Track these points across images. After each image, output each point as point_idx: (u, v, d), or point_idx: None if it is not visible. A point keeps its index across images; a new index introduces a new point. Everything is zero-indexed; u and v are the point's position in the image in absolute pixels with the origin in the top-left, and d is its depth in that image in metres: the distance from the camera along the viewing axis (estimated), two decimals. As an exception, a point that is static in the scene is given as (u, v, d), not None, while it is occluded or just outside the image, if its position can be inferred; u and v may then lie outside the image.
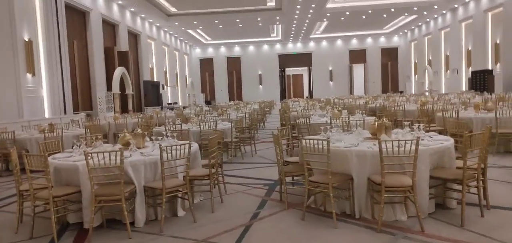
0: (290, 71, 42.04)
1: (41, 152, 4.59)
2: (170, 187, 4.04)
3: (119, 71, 18.19)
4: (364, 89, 37.03)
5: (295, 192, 5.00)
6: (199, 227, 4.07)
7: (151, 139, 5.31)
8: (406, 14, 27.39)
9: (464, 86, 24.71)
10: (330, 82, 37.68)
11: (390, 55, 36.84)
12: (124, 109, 19.35)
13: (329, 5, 24.35)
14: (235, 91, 38.58)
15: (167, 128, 6.92)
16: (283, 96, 38.75)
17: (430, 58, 29.91)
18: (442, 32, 27.68)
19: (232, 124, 7.95)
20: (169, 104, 25.23)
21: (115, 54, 20.23)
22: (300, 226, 3.90)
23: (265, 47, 38.28)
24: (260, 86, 38.34)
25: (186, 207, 4.53)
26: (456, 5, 24.64)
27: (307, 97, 37.08)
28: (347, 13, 25.98)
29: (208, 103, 33.18)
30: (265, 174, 6.48)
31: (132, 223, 4.12)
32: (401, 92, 31.84)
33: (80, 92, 18.23)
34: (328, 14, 26.08)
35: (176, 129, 6.89)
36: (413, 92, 31.96)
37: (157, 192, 4.17)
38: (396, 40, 36.78)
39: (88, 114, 15.51)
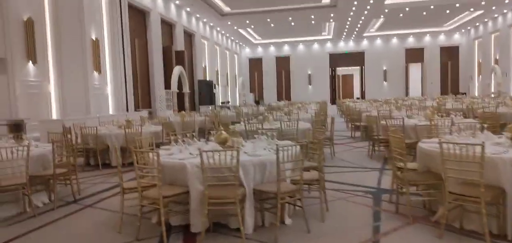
0: (340, 71, 40.84)
1: (137, 148, 4.37)
2: (286, 192, 3.65)
3: (177, 70, 18.36)
4: (421, 90, 35.14)
5: (412, 204, 4.41)
6: (315, 238, 3.65)
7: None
8: (471, 9, 25.55)
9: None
10: (384, 82, 36.13)
11: (450, 54, 34.67)
12: (180, 107, 19.52)
13: (388, 1, 23.21)
14: (284, 91, 38.11)
15: (248, 127, 6.60)
16: (333, 96, 37.71)
17: (497, 57, 27.69)
18: (512, 28, 25.52)
19: (313, 123, 7.49)
20: (222, 103, 25.26)
21: (172, 53, 20.50)
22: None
23: (315, 46, 37.47)
24: (310, 86, 37.59)
25: (291, 214, 4.14)
26: (531, -1, 22.57)
27: (357, 98, 35.84)
28: (407, 9, 24.64)
29: (257, 102, 32.99)
30: (354, 179, 5.97)
31: (238, 228, 3.78)
32: (464, 93, 29.78)
33: (140, 90, 18.61)
34: (386, 11, 24.89)
35: (261, 128, 6.54)
36: (476, 94, 29.82)
37: (265, 196, 3.80)
38: (457, 38, 34.55)
39: (150, 112, 15.74)
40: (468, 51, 33.23)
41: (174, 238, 3.77)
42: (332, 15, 26.08)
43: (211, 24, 28.11)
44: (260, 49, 38.53)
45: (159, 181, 3.55)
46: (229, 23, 27.70)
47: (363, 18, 26.93)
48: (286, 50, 38.08)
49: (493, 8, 24.85)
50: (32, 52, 11.82)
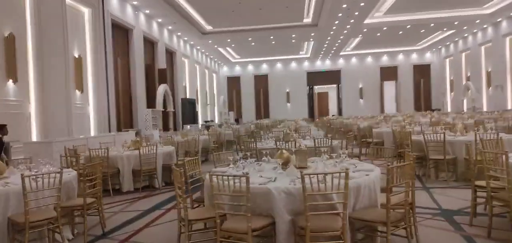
0: (316, 89, 41.40)
1: (178, 170, 3.84)
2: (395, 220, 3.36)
3: (162, 88, 17.88)
4: (396, 107, 36.10)
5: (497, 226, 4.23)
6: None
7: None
8: (445, 29, 26.68)
9: (509, 103, 23.71)
10: (361, 100, 36.88)
11: (422, 72, 35.96)
12: (165, 127, 18.96)
13: (367, 21, 23.84)
14: (263, 109, 38.10)
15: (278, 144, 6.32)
16: (311, 114, 38.06)
17: (469, 74, 28.96)
18: (482, 47, 26.81)
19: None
20: (206, 121, 24.83)
21: (155, 71, 20.01)
22: None
23: (293, 64, 37.88)
24: (288, 104, 37.79)
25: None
26: (499, 19, 23.83)
27: (333, 115, 36.35)
28: (385, 28, 25.41)
29: (236, 121, 32.74)
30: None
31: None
32: (438, 109, 30.82)
33: (123, 109, 17.95)
34: (365, 30, 25.54)
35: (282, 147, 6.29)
36: (449, 110, 30.94)
37: (360, 225, 3.46)
38: (428, 57, 35.94)
39: (136, 132, 15.12)
40: (440, 69, 34.60)
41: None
42: (312, 34, 26.47)
43: (192, 42, 27.82)
44: (238, 67, 38.51)
45: (248, 211, 3.20)
46: (210, 41, 27.54)
47: (342, 37, 27.50)
48: (264, 68, 38.26)
49: (464, 27, 26.05)
50: (12, 70, 11.11)
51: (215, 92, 35.67)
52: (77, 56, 14.24)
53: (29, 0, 12.04)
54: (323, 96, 43.55)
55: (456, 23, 24.52)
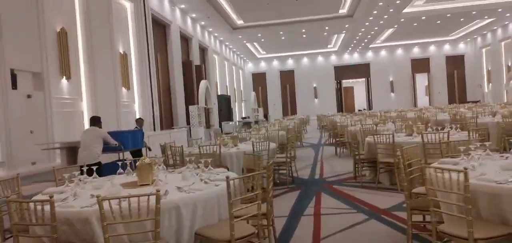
0: (344, 83, 40.42)
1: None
2: None
3: (204, 84, 17.40)
4: (429, 100, 34.96)
5: None
6: None
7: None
8: (486, 16, 25.54)
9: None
10: (392, 93, 35.86)
11: (455, 63, 34.74)
12: (207, 124, 18.47)
13: (406, 10, 22.92)
14: (289, 105, 37.40)
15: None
16: (340, 108, 37.18)
17: (509, 64, 27.74)
18: (526, 35, 25.59)
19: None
20: (243, 118, 24.30)
21: (193, 68, 19.54)
22: None
23: (320, 59, 37.06)
24: (316, 100, 37.00)
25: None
26: (546, 5, 22.63)
27: (359, 110, 35.41)
28: (423, 17, 24.43)
29: (265, 117, 32.14)
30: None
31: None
32: (477, 101, 29.66)
33: (163, 107, 17.53)
34: (402, 20, 24.60)
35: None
36: (487, 102, 29.74)
37: None
38: (462, 48, 34.69)
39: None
40: (474, 60, 33.33)
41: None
42: (346, 25, 25.66)
43: (221, 38, 27.33)
44: (263, 63, 37.88)
45: (468, 214, 2.59)
46: (239, 36, 26.97)
47: (376, 28, 26.61)
48: (290, 64, 37.53)
49: (507, 15, 24.89)
50: (66, 67, 10.73)
51: (241, 88, 35.18)
52: (122, 53, 13.84)
53: (78, -6, 11.64)
54: (348, 91, 42.57)
55: (499, 10, 23.41)
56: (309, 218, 4.77)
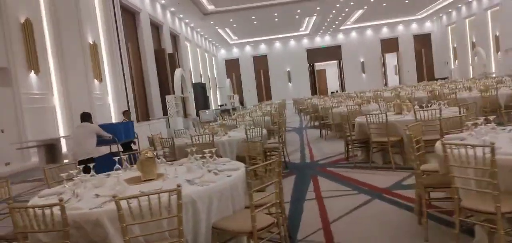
0: (316, 66, 40.71)
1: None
2: None
3: (179, 73, 16.94)
4: (399, 79, 35.85)
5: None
6: None
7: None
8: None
9: (520, 66, 23.60)
10: (363, 74, 36.48)
11: (423, 42, 35.70)
12: (184, 113, 18.04)
13: (377, -10, 23.19)
14: (264, 91, 37.30)
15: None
16: (314, 91, 37.46)
17: (474, 40, 28.77)
18: (489, 11, 26.54)
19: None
20: (220, 105, 23.93)
21: (165, 56, 18.97)
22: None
23: (292, 42, 37.06)
24: (290, 84, 37.08)
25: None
26: (507, -19, 23.50)
27: (332, 93, 35.90)
28: (393, -3, 24.84)
29: (241, 104, 31.91)
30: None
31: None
32: (445, 78, 30.67)
33: (138, 97, 16.96)
34: (372, 0, 24.89)
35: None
36: (454, 78, 30.81)
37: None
38: (428, 26, 35.66)
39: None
40: (441, 37, 34.36)
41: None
42: (318, 8, 25.69)
43: (192, 25, 26.71)
44: (235, 50, 37.47)
45: (495, 189, 2.53)
46: (211, 22, 26.45)
47: (347, 9, 26.82)
48: (262, 49, 37.32)
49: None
50: (33, 60, 10.07)
51: (215, 76, 34.70)
52: (92, 43, 13.16)
53: (43, -18, 10.91)
54: (321, 74, 42.93)
55: (464, -13, 24.13)
56: (312, 202, 4.67)
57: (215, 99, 32.21)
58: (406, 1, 26.48)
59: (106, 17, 14.21)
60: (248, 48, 37.29)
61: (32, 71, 10.02)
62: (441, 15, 33.17)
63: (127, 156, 3.69)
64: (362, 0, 24.72)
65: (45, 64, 10.64)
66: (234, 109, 20.82)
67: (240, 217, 2.79)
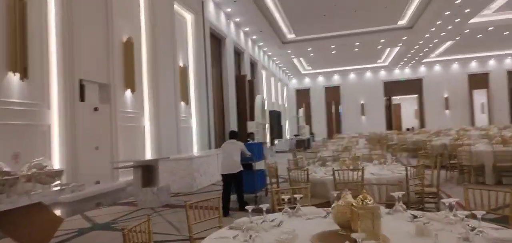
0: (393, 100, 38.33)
1: None
2: None
3: (259, 99, 16.43)
4: (488, 118, 32.38)
5: None
6: None
7: None
8: None
9: None
10: (446, 111, 33.55)
11: (519, 78, 32.11)
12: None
13: (473, 20, 21.13)
14: (334, 123, 35.81)
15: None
16: (389, 126, 35.16)
17: None
18: None
19: None
20: (295, 135, 23.15)
21: (245, 82, 18.68)
22: None
23: (368, 74, 35.43)
24: (363, 117, 35.26)
25: None
26: None
27: (407, 129, 33.35)
28: (491, 28, 22.51)
29: (311, 135, 30.78)
30: None
31: None
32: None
33: (217, 123, 16.69)
34: (467, 31, 22.77)
35: None
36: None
37: None
38: (526, 61, 32.08)
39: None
40: (542, 74, 30.62)
41: None
42: (404, 38, 24.11)
43: (270, 53, 26.52)
44: (307, 79, 36.71)
45: None
46: (288, 51, 26.02)
47: (436, 40, 24.88)
48: (335, 79, 36.14)
49: None
50: (130, 79, 10.04)
51: (286, 105, 34.10)
52: (182, 66, 13.12)
53: (143, 2, 11.04)
54: (397, 108, 40.39)
55: None
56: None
57: (285, 128, 31.47)
58: (506, 33, 23.88)
59: (197, 41, 14.20)
60: (320, 78, 36.36)
61: (129, 89, 9.97)
62: (543, 49, 29.63)
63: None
64: (455, 31, 22.72)
65: (140, 83, 10.60)
66: (309, 140, 19.80)
67: None
